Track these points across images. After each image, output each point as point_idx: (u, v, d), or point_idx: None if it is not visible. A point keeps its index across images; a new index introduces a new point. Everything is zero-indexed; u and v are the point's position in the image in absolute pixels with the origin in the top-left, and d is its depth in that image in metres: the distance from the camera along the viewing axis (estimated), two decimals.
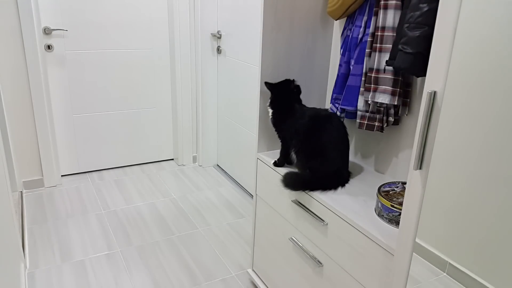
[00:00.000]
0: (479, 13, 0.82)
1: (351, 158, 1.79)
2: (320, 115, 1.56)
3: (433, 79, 0.89)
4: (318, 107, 1.81)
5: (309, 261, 1.54)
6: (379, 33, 1.41)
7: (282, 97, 1.65)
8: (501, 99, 0.81)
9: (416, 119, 1.45)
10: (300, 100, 1.66)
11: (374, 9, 1.44)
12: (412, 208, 0.99)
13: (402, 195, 1.28)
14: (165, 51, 3.21)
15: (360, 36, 1.52)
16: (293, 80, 1.66)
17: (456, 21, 0.83)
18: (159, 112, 3.35)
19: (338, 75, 1.63)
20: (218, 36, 3.06)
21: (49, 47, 2.80)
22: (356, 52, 1.52)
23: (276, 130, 1.68)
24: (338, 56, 1.73)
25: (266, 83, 1.67)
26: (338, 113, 1.63)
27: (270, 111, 1.67)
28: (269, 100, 1.67)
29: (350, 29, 1.57)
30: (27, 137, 2.80)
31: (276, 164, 1.67)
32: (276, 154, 1.69)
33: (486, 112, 0.84)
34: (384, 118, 1.47)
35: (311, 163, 1.54)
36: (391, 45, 1.38)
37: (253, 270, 2.01)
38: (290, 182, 1.51)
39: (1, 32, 2.55)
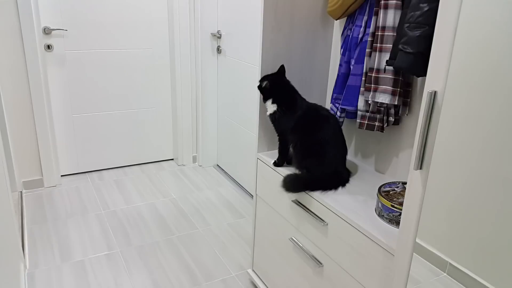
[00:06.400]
0: (479, 13, 0.82)
1: (351, 158, 1.79)
2: (320, 113, 1.56)
3: (434, 79, 0.89)
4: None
5: (309, 261, 1.54)
6: (379, 33, 1.41)
7: (284, 89, 1.60)
8: (501, 99, 0.81)
9: (416, 119, 1.45)
10: (295, 90, 1.63)
11: (375, 8, 1.44)
12: (412, 208, 0.99)
13: (403, 195, 1.28)
14: (165, 51, 3.21)
15: (360, 35, 1.51)
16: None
17: (456, 21, 0.83)
18: (159, 112, 3.34)
19: (338, 75, 1.63)
20: (218, 36, 3.06)
21: (49, 47, 2.80)
22: (357, 52, 1.52)
23: (275, 125, 1.64)
24: (338, 56, 1.73)
25: (264, 77, 1.61)
26: (339, 113, 1.63)
27: (274, 107, 1.59)
28: (270, 95, 1.60)
29: (351, 29, 1.57)
30: (26, 137, 2.80)
31: (276, 164, 1.67)
32: (276, 154, 1.69)
33: (486, 112, 0.84)
34: (385, 118, 1.47)
35: (308, 163, 1.54)
36: (391, 45, 1.38)
37: (253, 270, 2.01)
38: (291, 185, 1.51)
39: (1, 32, 2.55)
